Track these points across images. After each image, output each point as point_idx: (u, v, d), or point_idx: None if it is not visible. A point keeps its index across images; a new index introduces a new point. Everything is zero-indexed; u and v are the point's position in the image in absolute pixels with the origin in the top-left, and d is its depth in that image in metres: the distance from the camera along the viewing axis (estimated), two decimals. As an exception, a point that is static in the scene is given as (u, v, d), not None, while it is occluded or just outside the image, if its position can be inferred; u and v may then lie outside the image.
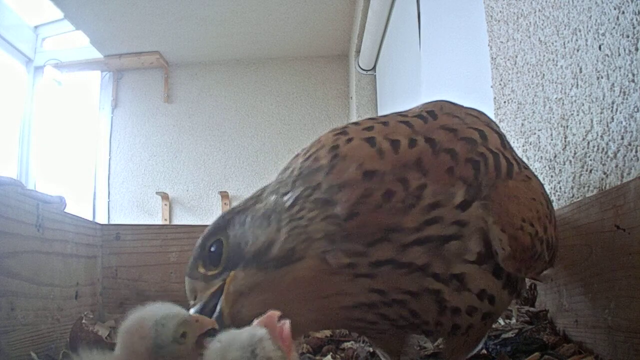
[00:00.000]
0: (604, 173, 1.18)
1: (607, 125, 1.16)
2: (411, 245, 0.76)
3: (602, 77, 1.17)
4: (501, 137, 0.90)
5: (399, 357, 1.00)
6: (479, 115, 0.93)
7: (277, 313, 0.69)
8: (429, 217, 0.76)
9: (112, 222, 5.84)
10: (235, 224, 0.82)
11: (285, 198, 0.79)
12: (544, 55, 1.48)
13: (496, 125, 0.95)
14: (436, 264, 0.77)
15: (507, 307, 0.92)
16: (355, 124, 0.86)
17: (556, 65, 1.40)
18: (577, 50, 1.28)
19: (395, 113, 0.90)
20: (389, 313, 0.80)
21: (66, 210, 1.47)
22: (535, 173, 0.94)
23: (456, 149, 0.80)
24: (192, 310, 0.81)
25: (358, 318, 0.81)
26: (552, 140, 1.45)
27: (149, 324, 0.90)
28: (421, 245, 0.76)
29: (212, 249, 0.82)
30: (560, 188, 1.41)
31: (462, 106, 0.93)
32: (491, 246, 0.79)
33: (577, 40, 1.28)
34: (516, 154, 0.92)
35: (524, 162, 0.92)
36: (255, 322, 0.70)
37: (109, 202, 6.22)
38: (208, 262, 0.82)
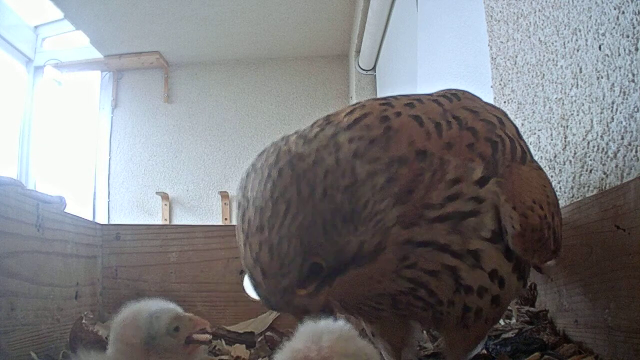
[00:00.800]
0: (604, 173, 1.18)
1: (607, 125, 1.16)
2: (434, 221, 0.77)
3: (602, 77, 1.17)
4: (516, 128, 0.93)
5: (400, 353, 1.00)
6: (496, 108, 0.96)
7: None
8: (450, 192, 0.78)
9: (112, 222, 5.84)
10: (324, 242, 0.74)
11: (359, 195, 0.73)
12: (544, 55, 1.48)
13: (511, 119, 0.98)
14: (455, 240, 0.78)
15: (514, 295, 0.92)
16: (394, 97, 0.86)
17: (556, 65, 1.40)
18: (577, 50, 1.28)
19: (421, 94, 0.91)
20: (410, 292, 0.82)
21: (66, 210, 1.47)
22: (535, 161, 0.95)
23: (477, 128, 0.83)
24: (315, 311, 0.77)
25: (382, 299, 0.84)
26: (552, 140, 1.45)
27: (143, 316, 0.91)
28: (442, 222, 0.78)
29: (309, 270, 0.74)
30: (560, 188, 1.41)
31: (480, 98, 0.96)
32: (504, 231, 0.80)
33: (577, 40, 1.28)
34: (528, 147, 0.94)
35: (532, 155, 0.95)
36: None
37: (109, 202, 6.22)
38: (306, 283, 0.75)
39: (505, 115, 0.94)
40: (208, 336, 1.01)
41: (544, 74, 1.49)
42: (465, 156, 0.79)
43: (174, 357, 0.91)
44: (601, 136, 1.19)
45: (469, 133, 0.82)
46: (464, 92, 0.93)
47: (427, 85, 3.09)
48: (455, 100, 0.87)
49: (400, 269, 0.79)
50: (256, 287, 0.75)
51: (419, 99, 0.85)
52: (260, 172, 0.74)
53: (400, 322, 0.97)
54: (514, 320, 1.38)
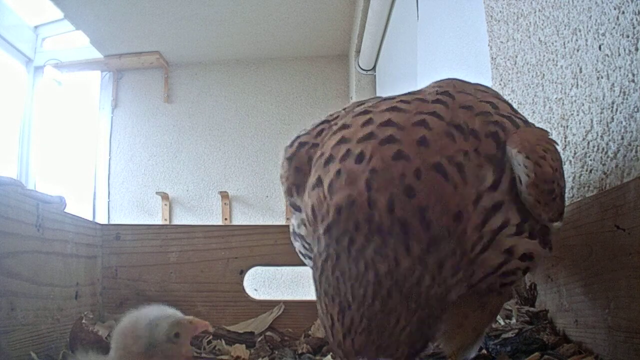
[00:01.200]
0: (604, 173, 1.18)
1: (607, 125, 1.16)
2: (478, 256, 0.77)
3: (602, 77, 1.17)
4: (510, 105, 0.93)
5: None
6: (487, 89, 0.95)
7: None
8: (481, 218, 0.76)
9: (112, 222, 5.84)
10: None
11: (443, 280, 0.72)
12: (544, 55, 1.48)
13: (503, 97, 0.98)
14: (494, 257, 0.79)
15: (540, 256, 0.90)
16: (397, 128, 0.79)
17: (556, 65, 1.40)
18: (577, 50, 1.28)
19: (416, 98, 0.86)
20: None
21: (66, 210, 1.47)
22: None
23: (476, 128, 0.80)
24: None
25: None
26: (552, 140, 1.45)
27: (143, 324, 0.91)
28: (485, 252, 0.78)
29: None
30: (560, 188, 1.41)
31: (470, 82, 0.95)
32: (525, 212, 0.81)
33: (577, 40, 1.28)
34: (525, 118, 0.94)
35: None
36: None
37: (109, 202, 6.22)
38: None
39: (497, 96, 0.93)
40: (206, 322, 1.01)
41: (544, 74, 1.49)
42: (474, 163, 0.77)
43: None
44: (601, 136, 1.19)
45: (472, 137, 0.79)
46: (454, 84, 0.92)
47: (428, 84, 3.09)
48: (450, 103, 0.83)
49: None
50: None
51: (425, 123, 0.78)
52: (356, 263, 0.69)
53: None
54: (514, 320, 1.38)
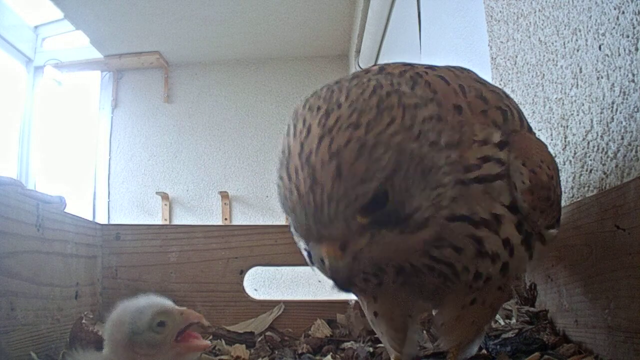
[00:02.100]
0: (604, 173, 1.18)
1: (607, 125, 1.16)
2: (472, 182, 0.79)
3: (602, 77, 1.17)
4: (518, 107, 0.96)
5: (404, 338, 1.00)
6: (496, 86, 0.99)
7: None
8: (482, 154, 0.80)
9: (112, 222, 5.84)
10: (398, 178, 0.70)
11: (437, 157, 0.73)
12: (544, 55, 1.48)
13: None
14: (485, 205, 0.80)
15: (520, 268, 0.91)
16: (410, 64, 0.88)
17: (556, 65, 1.40)
18: (577, 50, 1.28)
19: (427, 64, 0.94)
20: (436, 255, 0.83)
21: (66, 210, 1.47)
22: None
23: (488, 97, 0.86)
24: (345, 260, 0.70)
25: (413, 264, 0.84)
26: (552, 140, 1.45)
27: (129, 312, 0.90)
28: (480, 183, 0.80)
29: (375, 200, 0.69)
30: (560, 188, 1.41)
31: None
32: (514, 188, 0.82)
33: (577, 40, 1.28)
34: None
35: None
36: None
37: (109, 202, 6.22)
38: (365, 211, 0.69)
39: (506, 95, 0.96)
40: (207, 343, 0.99)
41: (544, 74, 1.49)
42: (481, 121, 0.82)
43: (159, 354, 0.89)
44: (601, 136, 1.19)
45: (481, 101, 0.85)
46: (469, 70, 0.96)
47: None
48: (465, 73, 0.91)
49: (430, 248, 0.80)
50: (313, 193, 0.67)
51: (433, 67, 0.88)
52: (362, 85, 0.71)
53: (404, 301, 0.97)
54: (514, 320, 1.38)
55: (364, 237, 0.70)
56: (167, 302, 0.93)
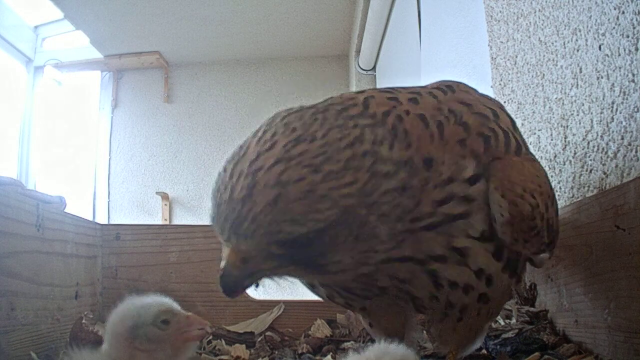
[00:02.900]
0: (604, 173, 1.18)
1: (607, 125, 1.16)
2: (421, 230, 0.76)
3: (602, 77, 1.17)
4: (512, 120, 0.92)
5: (403, 336, 1.00)
6: (491, 99, 0.95)
7: None
8: (442, 195, 0.76)
9: (112, 222, 5.84)
10: (329, 234, 0.71)
11: (380, 229, 0.72)
12: (544, 55, 1.48)
13: (507, 110, 0.96)
14: (439, 243, 0.77)
15: (507, 292, 0.91)
16: (398, 90, 0.85)
17: (556, 65, 1.40)
18: (577, 50, 1.28)
19: (417, 86, 0.91)
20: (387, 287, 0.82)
21: (66, 210, 1.47)
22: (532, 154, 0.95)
23: (469, 122, 0.81)
24: (240, 272, 0.72)
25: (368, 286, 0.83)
26: (552, 140, 1.45)
27: (133, 307, 0.90)
28: (429, 231, 0.77)
29: (296, 241, 0.70)
30: (560, 188, 1.41)
31: (476, 90, 0.95)
32: (494, 227, 0.79)
33: (577, 40, 1.28)
34: (524, 140, 0.93)
35: (528, 148, 0.94)
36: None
37: (109, 202, 6.22)
38: (282, 246, 0.72)
39: (501, 107, 0.93)
40: (202, 332, 0.99)
41: (544, 74, 1.49)
42: (457, 153, 0.78)
43: (158, 348, 0.90)
44: (601, 136, 1.19)
45: (461, 128, 0.80)
46: (458, 84, 0.93)
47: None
48: (449, 93, 0.86)
49: (362, 279, 0.78)
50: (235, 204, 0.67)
51: (418, 92, 0.85)
52: (344, 130, 0.69)
53: (395, 311, 0.96)
54: (514, 320, 1.38)
55: (269, 262, 0.71)
56: (175, 305, 0.94)
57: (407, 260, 0.77)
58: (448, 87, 0.88)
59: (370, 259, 0.74)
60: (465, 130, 0.80)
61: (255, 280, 0.74)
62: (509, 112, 0.96)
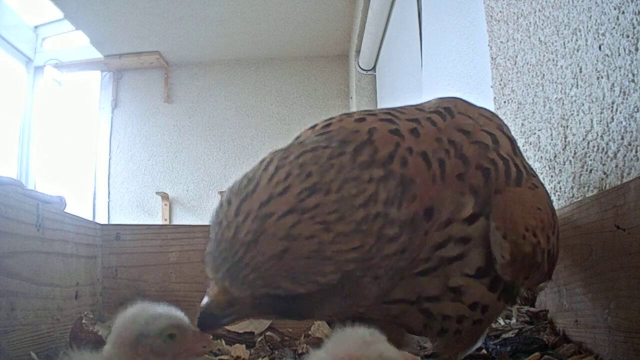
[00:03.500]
0: (604, 173, 1.18)
1: (607, 125, 1.16)
2: (417, 276, 0.75)
3: (602, 77, 1.17)
4: (512, 142, 0.88)
5: (400, 348, 1.00)
6: (491, 117, 0.91)
7: (418, 359, 0.69)
8: (440, 239, 0.73)
9: (112, 222, 5.84)
10: (322, 295, 0.69)
11: (371, 290, 0.70)
12: (544, 55, 1.48)
13: (507, 128, 0.93)
14: (433, 285, 0.76)
15: (501, 312, 0.91)
16: (399, 116, 0.80)
17: (556, 65, 1.40)
18: (577, 50, 1.28)
19: (414, 107, 0.88)
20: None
21: (66, 210, 1.47)
22: (535, 173, 0.94)
23: (468, 155, 0.78)
24: (224, 312, 0.69)
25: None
26: (552, 140, 1.45)
27: (144, 314, 0.90)
28: (424, 276, 0.75)
29: (289, 296, 0.69)
30: (560, 188, 1.41)
31: (474, 105, 0.92)
32: (491, 261, 0.77)
33: (577, 40, 1.28)
34: (525, 160, 0.90)
35: (531, 169, 0.91)
36: (404, 352, 0.69)
37: (109, 202, 6.22)
38: (275, 298, 0.70)
39: (501, 127, 0.89)
40: (206, 349, 1.00)
41: (544, 74, 1.49)
42: (456, 189, 0.75)
43: None
44: (601, 136, 1.19)
45: (460, 162, 0.77)
46: (456, 103, 0.89)
47: (429, 85, 3.10)
48: (448, 118, 0.82)
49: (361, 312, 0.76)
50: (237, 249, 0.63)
51: (417, 119, 0.80)
52: (359, 185, 0.65)
53: (392, 331, 0.96)
54: (514, 320, 1.38)
55: (253, 309, 0.69)
56: (185, 319, 0.94)
57: (399, 302, 0.76)
58: (447, 111, 0.84)
59: (358, 308, 0.73)
60: (464, 164, 0.77)
61: (232, 321, 0.71)
62: (509, 129, 0.93)
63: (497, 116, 0.94)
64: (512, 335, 1.26)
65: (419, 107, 0.88)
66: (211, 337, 0.98)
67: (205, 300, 0.68)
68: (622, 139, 1.10)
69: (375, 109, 0.87)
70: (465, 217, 0.75)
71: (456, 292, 0.77)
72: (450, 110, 0.84)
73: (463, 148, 0.78)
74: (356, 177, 0.66)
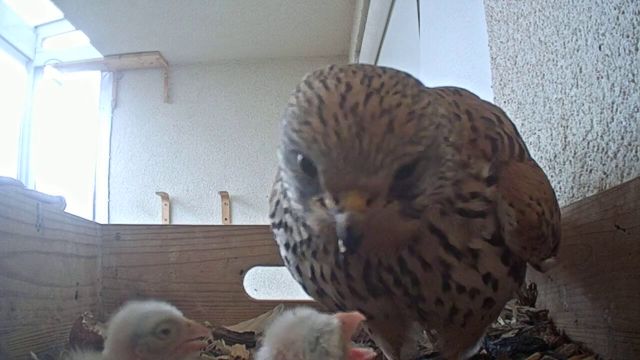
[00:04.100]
0: (604, 173, 1.18)
1: (607, 125, 1.16)
2: (455, 212, 0.77)
3: (602, 77, 1.17)
4: (514, 125, 0.94)
5: (399, 350, 1.00)
6: (493, 105, 0.97)
7: (361, 316, 0.69)
8: (473, 189, 0.78)
9: (112, 222, 5.84)
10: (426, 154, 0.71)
11: (446, 150, 0.74)
12: (544, 55, 1.48)
13: (508, 117, 0.98)
14: (461, 236, 0.78)
15: (509, 296, 0.92)
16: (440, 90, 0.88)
17: (556, 65, 1.40)
18: (577, 50, 1.28)
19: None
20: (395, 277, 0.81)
21: (66, 210, 1.47)
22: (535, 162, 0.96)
23: (477, 125, 0.83)
24: (366, 216, 0.66)
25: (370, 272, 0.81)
26: (552, 140, 1.45)
27: (135, 314, 0.90)
28: (461, 215, 0.78)
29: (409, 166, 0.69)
30: (560, 188, 1.41)
31: (477, 95, 0.96)
32: (502, 229, 0.80)
33: (577, 40, 1.28)
34: (526, 145, 0.94)
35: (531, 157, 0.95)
36: (339, 314, 0.69)
37: (109, 202, 6.22)
38: (400, 174, 0.69)
39: (503, 113, 0.94)
40: (204, 342, 1.00)
41: (544, 74, 1.49)
42: (471, 152, 0.80)
43: (159, 358, 0.89)
44: (601, 136, 1.19)
45: (472, 131, 0.82)
46: (462, 89, 0.94)
47: (429, 84, 3.09)
48: (458, 95, 0.89)
49: (406, 246, 0.77)
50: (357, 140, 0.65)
51: (436, 92, 0.85)
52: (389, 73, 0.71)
53: (395, 319, 0.95)
54: (514, 320, 1.38)
55: (384, 200, 0.68)
56: (175, 312, 0.94)
57: (440, 234, 0.78)
58: (455, 91, 0.90)
59: (440, 193, 0.75)
60: (474, 131, 0.82)
61: (368, 231, 0.69)
62: (509, 116, 0.97)
63: (497, 106, 0.99)
64: (512, 335, 1.26)
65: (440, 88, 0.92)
66: (209, 330, 0.97)
67: (344, 215, 0.66)
68: (622, 139, 1.10)
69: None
70: (485, 177, 0.79)
71: (475, 255, 0.79)
72: (458, 91, 0.91)
73: (474, 119, 0.84)
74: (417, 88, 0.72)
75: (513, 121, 0.96)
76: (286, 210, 0.85)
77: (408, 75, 0.73)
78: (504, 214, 0.79)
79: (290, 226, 0.85)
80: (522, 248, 0.81)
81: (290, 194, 0.76)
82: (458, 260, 0.79)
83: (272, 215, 0.91)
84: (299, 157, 0.69)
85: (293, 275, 0.94)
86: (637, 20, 1.02)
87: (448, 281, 0.80)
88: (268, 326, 0.73)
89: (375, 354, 0.73)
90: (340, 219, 0.66)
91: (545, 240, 0.83)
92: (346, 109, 0.65)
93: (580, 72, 1.27)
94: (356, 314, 0.70)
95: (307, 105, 0.68)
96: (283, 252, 0.92)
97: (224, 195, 6.07)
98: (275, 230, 0.92)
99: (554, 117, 1.43)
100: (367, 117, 0.65)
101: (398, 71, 0.73)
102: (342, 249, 0.67)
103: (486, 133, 0.83)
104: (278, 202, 0.89)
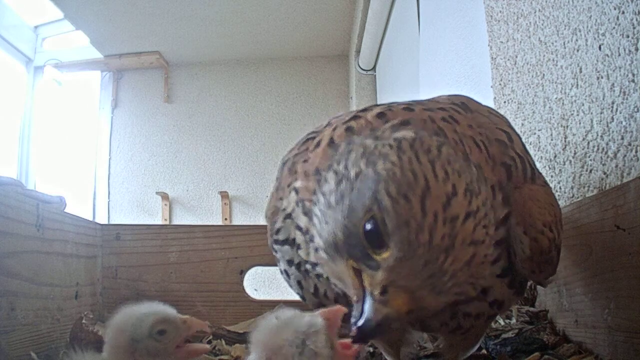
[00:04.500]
0: (604, 173, 1.18)
1: (607, 125, 1.16)
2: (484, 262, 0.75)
3: (602, 77, 1.17)
4: (521, 139, 0.91)
5: (399, 351, 1.00)
6: (500, 115, 0.93)
7: (343, 309, 0.68)
8: (497, 237, 0.74)
9: (112, 222, 5.84)
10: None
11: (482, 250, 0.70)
12: (544, 55, 1.48)
13: (514, 128, 0.96)
14: (472, 287, 0.76)
15: (511, 305, 0.93)
16: (431, 105, 0.82)
17: (556, 65, 1.40)
18: (577, 50, 1.28)
19: (429, 101, 0.88)
20: None
21: (66, 210, 1.47)
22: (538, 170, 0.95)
23: (492, 151, 0.80)
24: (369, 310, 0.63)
25: None
26: (552, 140, 1.45)
27: (131, 319, 0.90)
28: (492, 264, 0.77)
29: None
30: (560, 188, 1.41)
31: (481, 104, 0.94)
32: (511, 259, 0.79)
33: (577, 40, 1.28)
34: (532, 159, 0.92)
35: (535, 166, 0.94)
36: (322, 311, 0.68)
37: (109, 202, 6.22)
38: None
39: (509, 125, 0.91)
40: (207, 347, 1.00)
41: (544, 74, 1.49)
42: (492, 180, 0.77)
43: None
44: (601, 136, 1.19)
45: (488, 158, 0.80)
46: (468, 99, 0.90)
47: (429, 85, 3.09)
48: (469, 115, 0.84)
49: None
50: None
51: (444, 108, 0.82)
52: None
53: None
54: (514, 320, 1.38)
55: (416, 320, 0.70)
56: (169, 310, 0.92)
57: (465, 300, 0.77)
58: (463, 107, 0.85)
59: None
60: (491, 159, 0.79)
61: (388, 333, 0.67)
62: (511, 119, 0.95)
63: (502, 116, 0.96)
64: (512, 335, 1.26)
65: (435, 100, 0.89)
66: (206, 323, 0.97)
67: (379, 308, 0.62)
68: (622, 139, 1.10)
69: (393, 102, 0.86)
70: (500, 218, 0.76)
71: (484, 292, 0.78)
72: (467, 106, 0.86)
73: (488, 144, 0.80)
74: (474, 176, 0.67)
75: (513, 121, 0.96)
76: (298, 228, 0.79)
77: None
78: (518, 242, 0.78)
79: (299, 243, 0.80)
80: (531, 272, 0.81)
81: (320, 228, 0.69)
82: (470, 302, 0.79)
83: (277, 232, 0.86)
84: (371, 224, 0.62)
85: (291, 286, 0.92)
86: (637, 20, 1.02)
87: (456, 311, 0.80)
88: (252, 332, 0.71)
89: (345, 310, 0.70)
90: (371, 306, 0.62)
91: (552, 262, 0.83)
92: (447, 216, 0.61)
93: (580, 72, 1.27)
94: (338, 307, 0.69)
95: (412, 179, 0.62)
96: (283, 266, 0.89)
97: (224, 195, 6.07)
98: (277, 247, 0.88)
99: (554, 117, 1.43)
100: (459, 239, 0.61)
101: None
102: (353, 330, 0.64)
103: (501, 160, 0.80)
104: (286, 219, 0.83)
